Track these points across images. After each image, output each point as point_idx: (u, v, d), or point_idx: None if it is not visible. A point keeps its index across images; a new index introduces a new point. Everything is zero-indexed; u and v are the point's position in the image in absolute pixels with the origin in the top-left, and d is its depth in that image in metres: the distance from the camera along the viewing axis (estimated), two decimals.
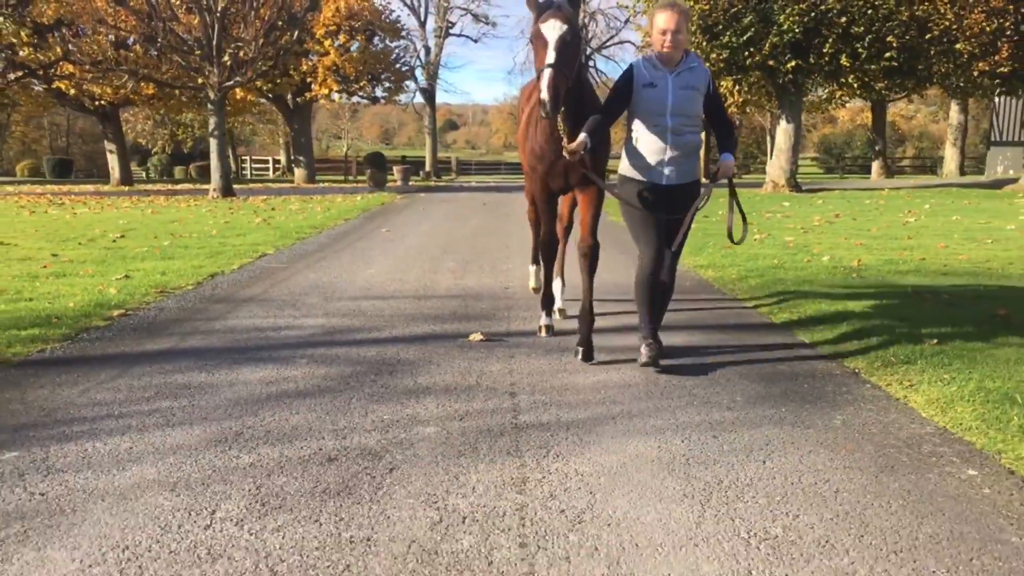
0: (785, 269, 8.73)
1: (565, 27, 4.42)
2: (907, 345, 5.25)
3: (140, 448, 3.52)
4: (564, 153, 4.59)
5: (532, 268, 6.67)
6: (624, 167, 4.84)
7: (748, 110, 31.06)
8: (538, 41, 4.49)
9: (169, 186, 33.73)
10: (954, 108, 38.45)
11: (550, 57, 4.36)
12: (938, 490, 3.15)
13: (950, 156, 39.25)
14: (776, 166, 24.56)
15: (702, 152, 4.80)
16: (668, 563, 2.58)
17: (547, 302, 5.70)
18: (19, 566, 2.51)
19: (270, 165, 53.05)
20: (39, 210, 17.90)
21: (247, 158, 54.30)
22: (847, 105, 35.54)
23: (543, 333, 5.58)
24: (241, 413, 3.98)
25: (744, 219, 4.96)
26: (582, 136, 4.53)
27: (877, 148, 35.49)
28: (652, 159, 4.67)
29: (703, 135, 4.29)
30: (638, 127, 4.70)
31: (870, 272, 8.59)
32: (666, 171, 4.67)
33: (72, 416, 3.94)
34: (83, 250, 10.50)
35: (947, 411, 4.04)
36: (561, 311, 6.18)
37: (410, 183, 31.69)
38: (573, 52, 4.49)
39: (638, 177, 4.74)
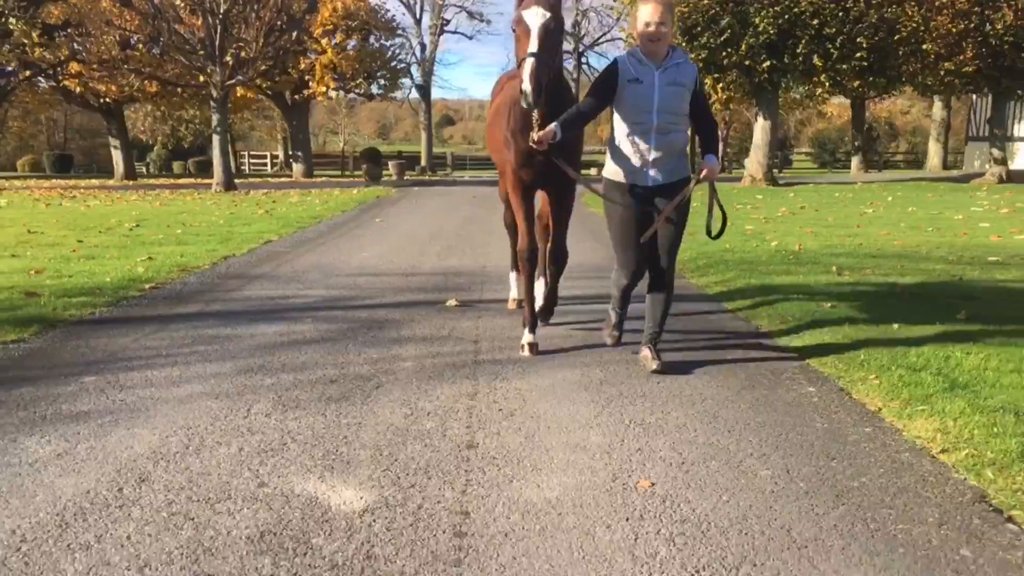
0: (733, 252, 9.84)
1: (548, 15, 4.29)
2: (801, 305, 6.40)
3: (187, 374, 4.64)
4: (530, 142, 4.41)
5: (512, 275, 6.41)
6: (608, 170, 4.68)
7: (731, 107, 32.15)
8: (520, 28, 4.35)
9: (171, 180, 34.81)
10: (937, 104, 39.62)
11: (533, 45, 4.22)
12: (779, 398, 4.28)
13: (933, 151, 40.46)
14: (754, 161, 25.71)
15: (688, 149, 4.97)
16: (568, 437, 3.70)
17: (532, 320, 5.19)
18: (118, 437, 3.63)
19: (268, 161, 54.09)
20: (53, 203, 18.99)
21: (245, 154, 55.36)
22: (830, 102, 36.61)
23: (526, 352, 5.06)
24: (262, 354, 5.10)
25: (724, 217, 4.71)
26: (551, 126, 4.35)
27: (857, 144, 36.63)
28: (636, 160, 4.50)
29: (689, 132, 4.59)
30: (621, 125, 4.52)
31: (807, 255, 9.72)
32: (651, 172, 4.50)
33: (129, 355, 5.06)
34: (104, 237, 11.59)
35: (813, 352, 5.17)
36: (515, 301, 6.15)
37: (405, 177, 32.79)
38: (556, 41, 4.39)
39: (623, 180, 4.58)
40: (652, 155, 4.46)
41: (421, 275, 8.30)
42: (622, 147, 4.53)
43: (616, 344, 5.02)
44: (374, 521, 2.83)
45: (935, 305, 6.56)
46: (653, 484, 3.17)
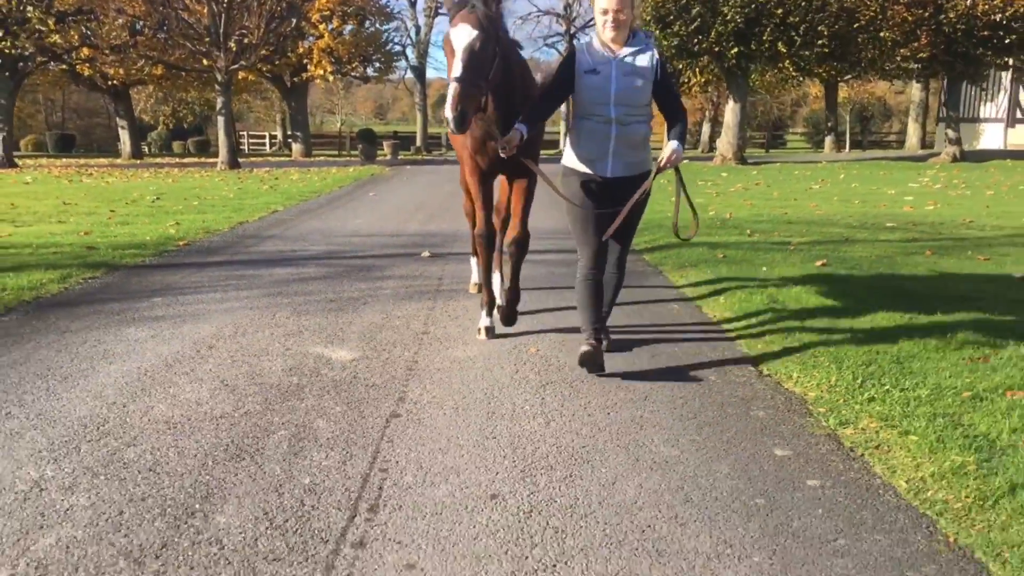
0: (669, 218, 11.59)
1: (474, 34, 4.08)
2: (701, 253, 8.18)
3: (226, 296, 6.41)
4: (501, 153, 4.29)
5: (472, 261, 6.49)
6: (567, 158, 4.51)
7: (708, 90, 33.79)
8: (447, 48, 4.21)
9: (176, 159, 36.40)
10: (916, 86, 41.18)
11: (456, 70, 4.04)
12: (647, 294, 6.05)
13: (912, 131, 42.09)
14: (725, 141, 27.42)
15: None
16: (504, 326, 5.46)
17: (489, 301, 5.24)
18: (188, 328, 5.39)
19: (267, 140, 55.61)
20: (74, 180, 20.69)
21: (244, 134, 56.83)
22: (801, 85, 38.16)
23: (482, 335, 5.13)
24: (278, 285, 6.86)
25: (695, 212, 4.67)
26: (515, 130, 4.24)
27: (830, 124, 38.30)
28: (595, 151, 4.33)
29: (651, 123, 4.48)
30: (580, 116, 4.38)
31: (733, 222, 11.47)
32: (610, 163, 4.34)
33: (181, 285, 6.82)
34: (132, 208, 13.33)
35: (699, 291, 6.93)
36: (500, 308, 5.44)
37: (399, 157, 34.45)
38: (483, 59, 4.13)
39: (581, 169, 4.41)
40: (611, 146, 4.29)
41: (404, 236, 10.06)
42: (581, 137, 4.37)
43: (591, 360, 4.38)
44: (358, 364, 4.61)
45: (807, 256, 8.34)
46: (538, 350, 4.94)
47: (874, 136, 53.46)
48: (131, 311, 5.86)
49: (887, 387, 4.12)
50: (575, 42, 4.81)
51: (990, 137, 34.49)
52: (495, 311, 5.32)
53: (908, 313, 5.63)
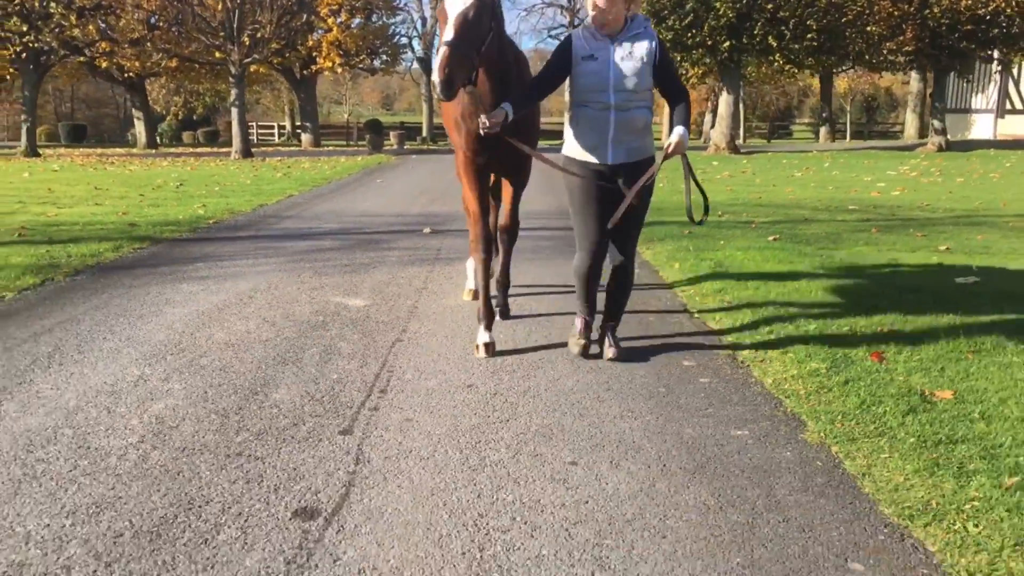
0: (670, 205, 12.68)
1: (469, 1, 3.98)
2: (669, 230, 9.31)
3: (257, 262, 7.57)
4: (480, 130, 4.17)
5: (469, 263, 6.08)
6: (568, 147, 4.46)
7: (707, 81, 34.75)
8: (440, 16, 4.10)
9: (189, 149, 37.57)
10: (914, 77, 42.00)
11: (448, 33, 3.96)
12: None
13: (910, 121, 42.90)
14: (719, 131, 28.48)
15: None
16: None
17: (487, 314, 4.77)
18: (229, 285, 6.56)
19: (275, 131, 56.75)
20: (98, 168, 21.89)
21: (253, 124, 57.91)
22: (796, 76, 39.05)
23: (481, 352, 4.64)
24: (300, 254, 8.03)
25: (705, 197, 4.58)
26: (501, 108, 4.13)
27: (824, 115, 39.26)
28: (595, 139, 4.28)
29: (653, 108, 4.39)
30: (579, 104, 4.32)
31: (711, 205, 12.56)
32: (611, 150, 4.27)
33: (217, 254, 7.99)
34: (159, 192, 14.51)
35: (658, 259, 8.06)
36: (472, 292, 5.78)
37: (405, 146, 35.59)
38: (478, 31, 4.03)
39: (582, 158, 4.35)
40: (611, 133, 4.23)
41: (409, 216, 11.22)
42: (580, 125, 4.33)
43: (584, 353, 4.57)
44: (369, 308, 5.77)
45: (764, 232, 9.47)
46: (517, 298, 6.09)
47: (879, 126, 54.15)
48: (180, 272, 7.04)
49: (778, 320, 5.26)
50: (573, 28, 4.22)
51: (981, 127, 35.42)
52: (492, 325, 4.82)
53: (823, 272, 6.78)
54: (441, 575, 2.45)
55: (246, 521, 2.73)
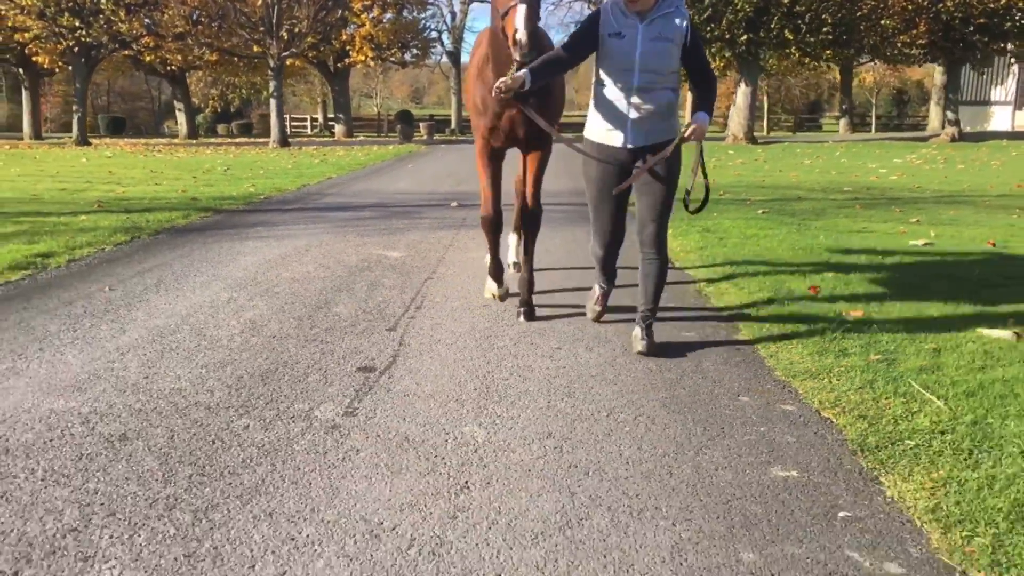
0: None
1: None
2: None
3: (307, 226, 8.81)
4: (495, 90, 3.94)
5: (510, 239, 6.11)
6: (588, 128, 4.34)
7: (728, 73, 35.54)
8: None
9: (228, 139, 39.10)
10: (938, 70, 42.51)
11: None
12: None
13: (934, 113, 43.37)
14: (736, 122, 29.40)
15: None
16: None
17: (496, 271, 5.25)
18: (287, 242, 7.79)
19: (308, 123, 58.30)
20: (148, 155, 23.36)
21: (286, 116, 59.45)
22: (817, 68, 39.73)
23: (494, 295, 5.32)
24: (344, 221, 9.25)
25: (707, 188, 4.47)
26: (521, 72, 3.88)
27: (844, 107, 39.92)
28: (616, 120, 4.14)
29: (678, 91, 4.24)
30: (602, 82, 4.16)
31: (714, 186, 13.62)
32: (630, 133, 4.12)
33: (273, 221, 9.25)
34: (209, 175, 15.84)
35: None
36: (515, 264, 5.86)
37: (434, 137, 36.86)
38: None
39: (601, 140, 4.24)
40: (632, 115, 4.08)
41: (438, 194, 12.43)
42: (603, 104, 4.19)
43: (598, 319, 4.81)
44: (405, 258, 6.96)
45: (756, 207, 10.54)
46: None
47: (911, 119, 54.33)
48: (244, 233, 8.29)
49: (741, 264, 6.38)
50: (602, 4, 4.19)
51: (999, 119, 35.94)
52: (504, 283, 5.33)
53: (795, 235, 7.88)
54: (459, 397, 3.63)
55: (325, 372, 3.93)
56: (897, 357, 4.15)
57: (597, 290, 4.81)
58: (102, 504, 2.62)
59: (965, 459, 3.01)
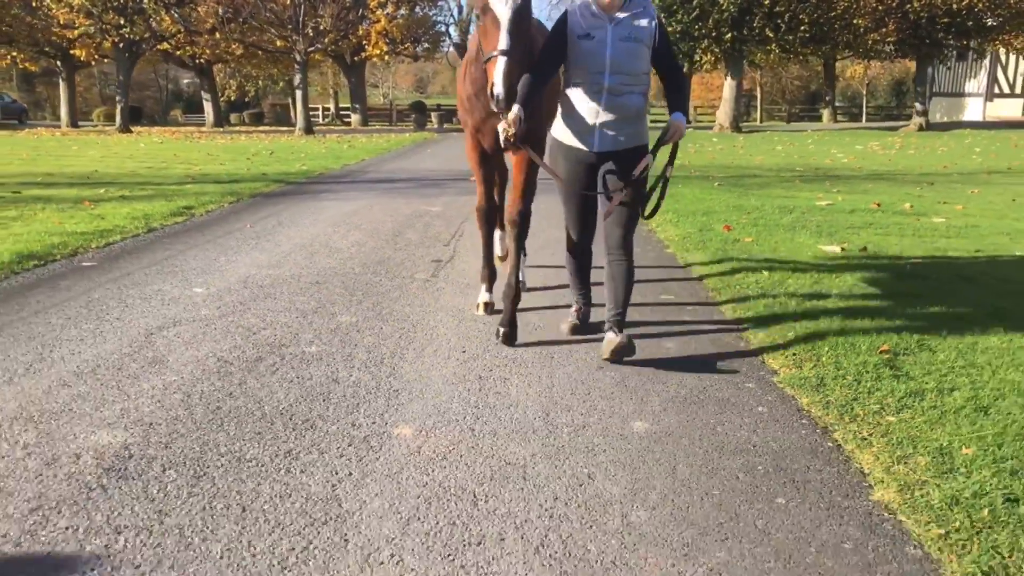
0: None
1: (519, 1, 3.76)
2: None
3: (361, 194, 11.52)
4: (504, 140, 3.90)
5: (497, 233, 6.03)
6: (556, 129, 4.26)
7: (719, 67, 38.10)
8: (487, 18, 3.80)
9: (253, 128, 41.79)
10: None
11: (503, 41, 3.69)
12: None
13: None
14: (723, 112, 32.04)
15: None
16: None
17: (489, 276, 5.18)
18: (345, 203, 10.50)
19: (320, 112, 60.94)
20: (192, 141, 26.07)
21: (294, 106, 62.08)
22: (800, 63, 42.25)
23: (480, 310, 5.07)
24: (387, 190, 11.96)
25: (662, 195, 4.28)
26: (514, 111, 3.80)
27: (827, 99, 42.48)
28: (584, 123, 4.04)
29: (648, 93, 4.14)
30: (572, 84, 4.07)
31: (686, 168, 16.31)
32: (598, 136, 4.03)
33: (334, 190, 11.96)
34: (258, 158, 18.53)
35: None
36: (500, 259, 5.81)
37: (444, 126, 39.54)
38: (527, 27, 3.88)
39: (568, 142, 4.15)
40: (602, 118, 4.01)
41: (458, 171, 15.13)
42: (571, 106, 4.11)
43: (573, 332, 4.66)
44: (443, 211, 9.66)
45: (713, 182, 13.22)
46: None
47: (909, 110, 56.55)
48: (318, 196, 11.01)
49: (684, 214, 9.09)
50: (569, 5, 4.38)
51: (972, 110, 38.47)
52: (494, 289, 5.17)
53: (732, 198, 10.59)
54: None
55: (415, 262, 6.65)
56: (759, 267, 6.87)
57: (573, 306, 4.79)
58: (331, 302, 5.33)
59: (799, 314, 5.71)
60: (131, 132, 31.37)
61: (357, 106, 42.32)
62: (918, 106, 31.41)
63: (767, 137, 28.89)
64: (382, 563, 2.38)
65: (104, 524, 2.55)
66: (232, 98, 58.78)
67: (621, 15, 3.92)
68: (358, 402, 3.60)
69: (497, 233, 5.88)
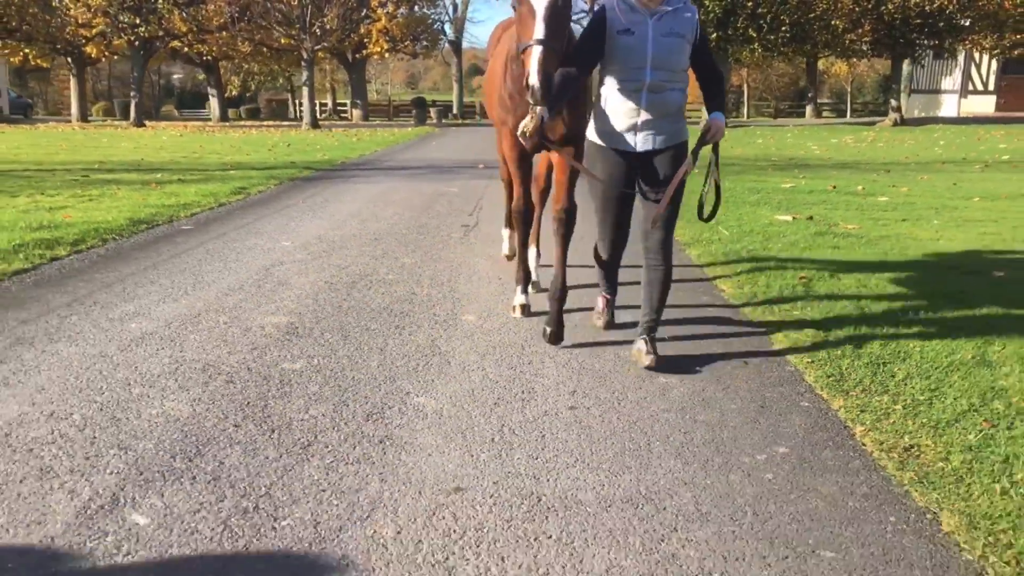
0: None
1: None
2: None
3: (385, 177, 13.14)
4: (522, 139, 3.88)
5: (505, 232, 6.45)
6: (591, 131, 4.12)
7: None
8: (524, 7, 3.70)
9: (257, 123, 43.28)
10: (906, 62, 46.89)
11: (539, 31, 3.59)
12: None
13: (903, 101, 47.73)
14: None
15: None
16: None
17: (524, 277, 5.00)
18: (378, 186, 12.10)
19: (317, 108, 62.32)
20: (205, 135, 27.57)
21: (301, 102, 63.47)
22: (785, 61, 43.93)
23: (517, 313, 4.90)
24: (408, 175, 13.56)
25: (719, 193, 4.19)
26: (538, 111, 3.77)
27: (810, 95, 44.23)
28: (623, 122, 3.92)
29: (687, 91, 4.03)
30: (609, 83, 3.94)
31: None
32: (639, 136, 3.91)
33: (359, 175, 13.56)
34: (279, 149, 20.10)
35: None
36: (534, 284, 5.43)
37: (443, 121, 41.17)
38: (565, 20, 3.75)
39: (607, 143, 4.01)
40: (642, 117, 3.88)
41: (465, 160, 16.76)
42: (608, 106, 3.97)
43: (608, 328, 4.63)
44: (460, 192, 11.27)
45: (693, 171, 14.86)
46: None
47: (897, 106, 58.30)
48: (348, 180, 12.61)
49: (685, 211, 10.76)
50: (605, 1, 3.96)
51: (948, 106, 40.23)
52: (530, 289, 5.10)
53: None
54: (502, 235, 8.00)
55: (449, 226, 8.26)
56: (724, 229, 8.51)
57: (600, 302, 4.70)
58: (392, 250, 6.94)
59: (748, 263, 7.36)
60: (144, 126, 32.82)
61: (358, 101, 43.84)
62: (893, 102, 33.14)
63: (750, 131, 30.58)
64: (474, 371, 4.02)
65: (299, 354, 4.17)
66: (235, 93, 60.19)
67: (662, 9, 3.80)
68: (434, 304, 5.22)
69: (505, 232, 6.42)
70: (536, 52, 3.57)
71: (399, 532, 2.51)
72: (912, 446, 3.21)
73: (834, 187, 12.01)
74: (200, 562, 2.33)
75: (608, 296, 4.69)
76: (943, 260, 6.69)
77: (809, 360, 4.24)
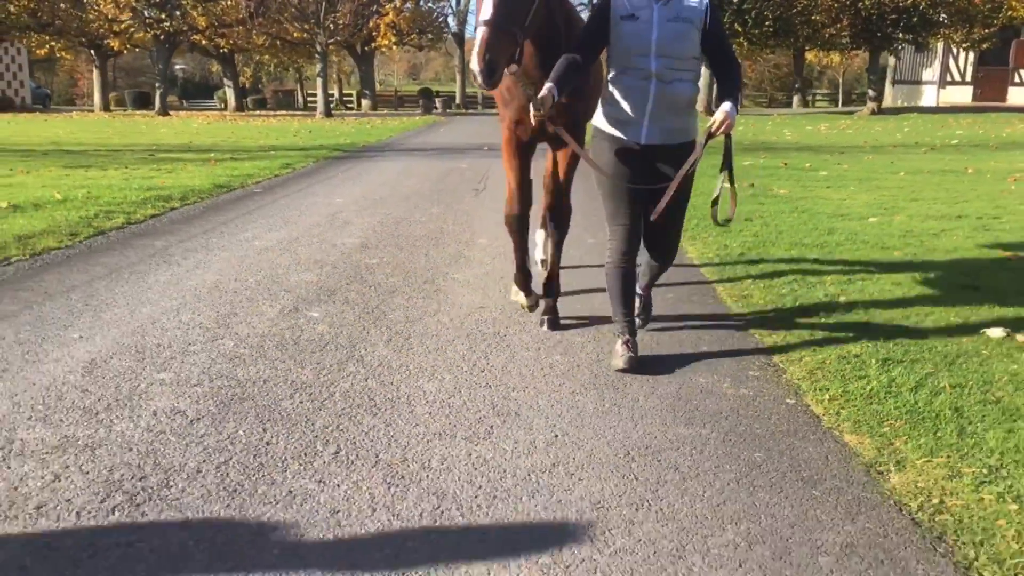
0: None
1: None
2: None
3: (404, 157, 15.35)
4: (532, 118, 3.67)
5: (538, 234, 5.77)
6: (598, 118, 3.95)
7: None
8: None
9: (272, 112, 45.42)
10: (890, 57, 48.97)
11: (484, 11, 3.46)
12: None
13: (888, 91, 49.84)
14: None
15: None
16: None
17: (524, 279, 4.76)
18: (398, 163, 14.31)
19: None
20: (229, 123, 29.74)
21: (310, 93, 65.57)
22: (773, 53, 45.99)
23: (526, 305, 4.78)
24: (424, 156, 15.76)
25: (734, 194, 4.02)
26: (546, 88, 3.57)
27: (797, 86, 46.34)
28: (631, 111, 3.75)
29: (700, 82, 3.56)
30: (616, 70, 3.80)
31: None
32: (646, 128, 3.75)
33: (381, 156, 15.78)
34: (301, 135, 22.28)
35: None
36: (543, 262, 5.07)
37: (448, 111, 43.36)
38: (520, 1, 3.57)
39: (613, 133, 3.84)
40: (649, 107, 3.72)
41: (471, 144, 18.95)
42: (615, 93, 3.80)
43: (629, 365, 3.84)
44: (470, 168, 13.46)
45: None
46: None
47: (875, 96, 60.35)
48: (372, 159, 14.81)
49: None
50: None
51: (928, 97, 42.31)
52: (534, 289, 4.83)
53: None
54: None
55: (463, 190, 10.48)
56: None
57: (619, 347, 3.92)
58: (421, 204, 9.15)
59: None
60: (168, 115, 35.00)
61: (367, 92, 45.98)
62: (871, 92, 35.26)
63: (740, 119, 32.70)
64: (487, 264, 6.23)
65: (373, 256, 6.38)
66: (247, 84, 62.22)
67: None
68: (457, 232, 7.45)
69: (540, 235, 5.32)
70: (479, 34, 3.44)
71: (448, 322, 4.74)
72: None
73: (785, 164, 14.20)
74: (350, 329, 4.54)
75: (626, 338, 3.95)
76: (843, 216, 8.88)
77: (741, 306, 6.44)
